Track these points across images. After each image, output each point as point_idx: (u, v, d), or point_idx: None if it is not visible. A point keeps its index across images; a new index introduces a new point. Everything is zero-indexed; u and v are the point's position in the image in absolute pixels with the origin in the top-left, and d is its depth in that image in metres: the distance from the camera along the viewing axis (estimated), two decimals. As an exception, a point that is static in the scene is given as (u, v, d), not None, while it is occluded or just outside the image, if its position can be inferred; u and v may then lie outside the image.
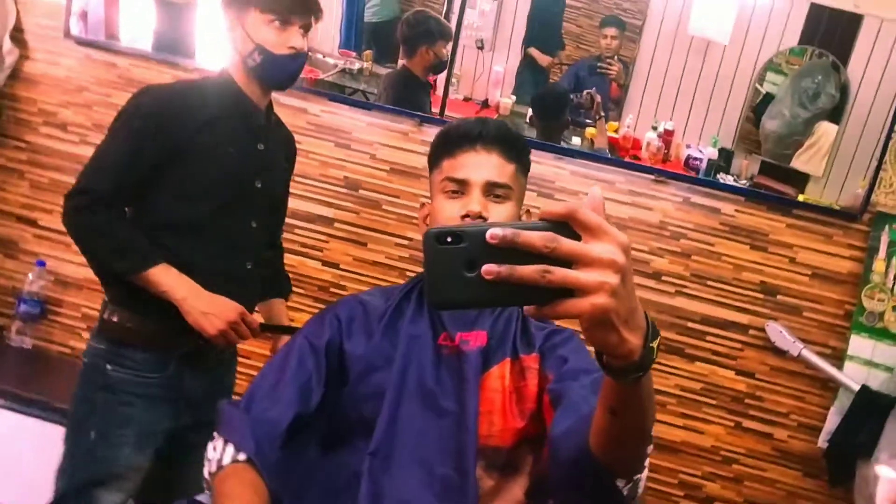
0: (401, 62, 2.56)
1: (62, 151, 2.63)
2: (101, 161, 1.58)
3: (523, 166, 1.26)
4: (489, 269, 0.61)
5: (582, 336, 0.69)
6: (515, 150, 1.24)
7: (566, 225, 0.63)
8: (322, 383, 1.21)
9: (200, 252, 1.63)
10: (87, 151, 1.74)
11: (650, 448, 0.90)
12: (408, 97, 2.52)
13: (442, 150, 1.25)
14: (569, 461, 0.94)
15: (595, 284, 0.61)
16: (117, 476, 1.63)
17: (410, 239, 2.54)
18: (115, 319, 1.65)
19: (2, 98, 2.64)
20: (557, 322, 1.20)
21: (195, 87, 1.69)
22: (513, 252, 0.61)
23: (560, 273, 0.61)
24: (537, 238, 0.61)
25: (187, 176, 1.61)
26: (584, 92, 2.51)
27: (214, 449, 1.14)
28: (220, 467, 1.12)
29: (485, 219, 1.16)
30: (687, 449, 2.53)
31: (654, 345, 0.69)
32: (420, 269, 1.38)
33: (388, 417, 1.14)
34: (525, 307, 0.65)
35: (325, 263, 2.59)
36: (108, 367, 1.63)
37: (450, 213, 1.20)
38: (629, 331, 0.65)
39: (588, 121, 2.54)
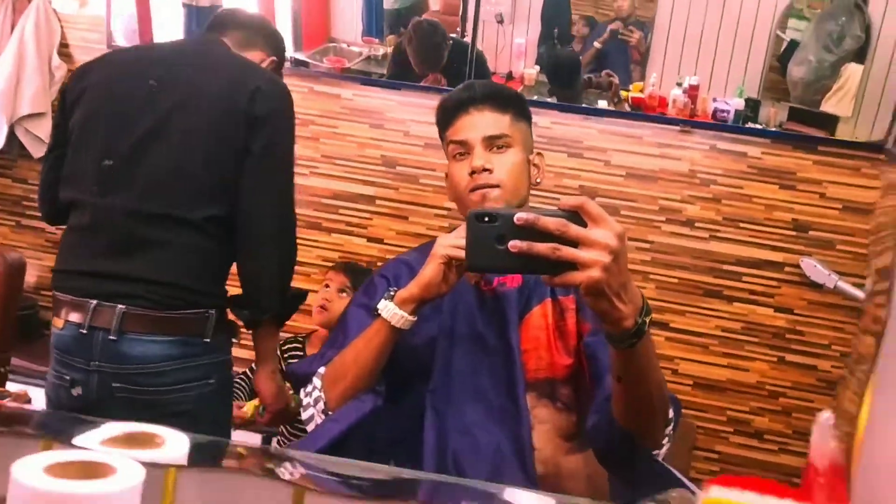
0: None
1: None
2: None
3: (519, 113, 1.33)
4: (514, 243, 0.81)
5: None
6: (504, 100, 1.32)
7: (577, 213, 0.82)
8: None
9: None
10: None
11: (668, 429, 1.07)
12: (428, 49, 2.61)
13: (443, 121, 1.34)
14: (602, 428, 1.10)
15: (591, 261, 0.81)
16: None
17: (449, 209, 2.65)
18: None
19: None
20: None
21: None
22: (534, 232, 0.81)
23: (566, 250, 0.81)
24: (552, 223, 0.81)
25: None
26: (604, 72, 2.54)
27: (307, 395, 1.26)
28: (316, 390, 1.25)
29: (489, 171, 1.25)
30: (733, 387, 2.62)
31: (647, 319, 0.88)
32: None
33: (443, 359, 1.26)
34: (542, 276, 0.84)
35: (370, 240, 2.72)
36: None
37: (459, 172, 1.29)
38: (620, 302, 0.84)
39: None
